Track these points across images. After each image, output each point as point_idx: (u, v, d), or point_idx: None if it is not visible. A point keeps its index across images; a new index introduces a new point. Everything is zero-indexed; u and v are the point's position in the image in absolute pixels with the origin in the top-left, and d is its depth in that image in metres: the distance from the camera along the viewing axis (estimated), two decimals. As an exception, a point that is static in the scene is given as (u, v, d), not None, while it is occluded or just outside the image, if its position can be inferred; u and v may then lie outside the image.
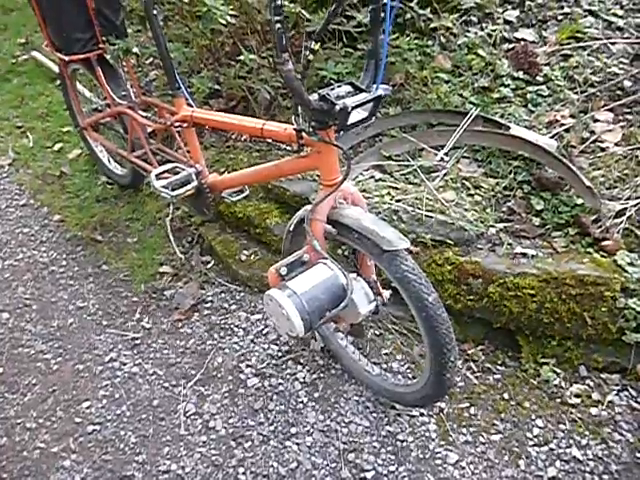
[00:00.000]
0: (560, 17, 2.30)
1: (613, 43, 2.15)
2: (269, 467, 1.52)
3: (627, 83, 2.04)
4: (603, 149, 1.88)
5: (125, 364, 1.86)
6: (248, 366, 1.79)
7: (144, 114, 1.95)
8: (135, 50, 1.93)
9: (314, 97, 1.13)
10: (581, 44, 2.15)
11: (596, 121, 1.96)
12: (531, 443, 1.51)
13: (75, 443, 1.63)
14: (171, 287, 2.11)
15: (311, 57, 1.07)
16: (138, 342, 1.93)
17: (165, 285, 2.12)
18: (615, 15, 2.25)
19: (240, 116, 1.53)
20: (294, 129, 1.26)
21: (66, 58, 1.97)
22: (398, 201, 1.78)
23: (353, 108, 1.11)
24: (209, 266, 2.17)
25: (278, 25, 0.96)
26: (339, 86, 1.17)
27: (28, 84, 3.48)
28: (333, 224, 1.31)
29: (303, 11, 1.96)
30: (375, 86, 1.16)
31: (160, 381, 1.79)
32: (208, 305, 2.03)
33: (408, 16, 2.11)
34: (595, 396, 1.58)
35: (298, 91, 1.07)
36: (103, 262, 2.28)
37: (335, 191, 1.28)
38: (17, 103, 3.37)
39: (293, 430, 1.60)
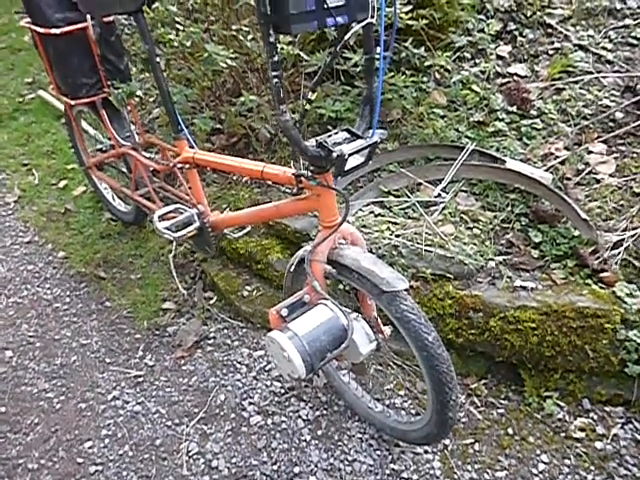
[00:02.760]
0: (551, 52, 2.36)
1: (604, 76, 2.21)
2: (273, 508, 1.51)
3: (619, 115, 2.08)
4: (598, 180, 1.91)
5: (128, 402, 1.86)
6: (251, 404, 1.78)
7: (147, 155, 2.00)
8: (139, 93, 1.99)
9: (311, 143, 1.16)
10: (572, 78, 2.21)
11: (590, 153, 2.00)
12: (537, 479, 1.50)
13: (77, 485, 1.63)
14: (174, 323, 2.13)
15: (308, 107, 1.10)
16: (141, 380, 1.93)
17: (168, 321, 2.13)
18: (604, 49, 2.31)
19: (240, 159, 1.56)
20: (293, 174, 1.29)
21: (72, 102, 2.03)
22: (398, 236, 1.80)
23: (350, 155, 1.14)
24: (212, 302, 2.18)
25: (276, 80, 1.00)
26: (336, 133, 1.21)
27: (34, 122, 3.56)
28: (333, 264, 1.33)
29: (301, 53, 2.02)
30: (371, 132, 1.20)
31: (163, 420, 1.78)
32: (211, 341, 2.03)
33: (403, 54, 2.17)
34: (599, 429, 1.57)
35: (295, 140, 1.10)
36: (106, 299, 2.30)
37: (334, 232, 1.30)
38: (23, 141, 3.44)
39: (296, 469, 1.59)
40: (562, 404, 1.64)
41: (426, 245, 1.75)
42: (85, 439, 1.75)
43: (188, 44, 2.01)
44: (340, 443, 1.64)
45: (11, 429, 1.81)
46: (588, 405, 1.63)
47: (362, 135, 1.19)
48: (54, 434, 1.78)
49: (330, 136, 1.18)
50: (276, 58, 0.98)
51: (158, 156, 2.02)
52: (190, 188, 1.83)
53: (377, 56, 1.16)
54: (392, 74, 2.11)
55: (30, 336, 2.17)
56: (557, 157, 1.98)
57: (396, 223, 1.87)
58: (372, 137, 1.18)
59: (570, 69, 2.23)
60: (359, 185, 2.11)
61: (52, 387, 1.94)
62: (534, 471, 1.52)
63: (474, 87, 2.21)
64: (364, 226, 1.85)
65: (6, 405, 1.89)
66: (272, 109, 2.21)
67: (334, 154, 1.12)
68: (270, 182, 1.42)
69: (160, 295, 2.24)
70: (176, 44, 2.00)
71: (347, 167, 1.17)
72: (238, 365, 1.92)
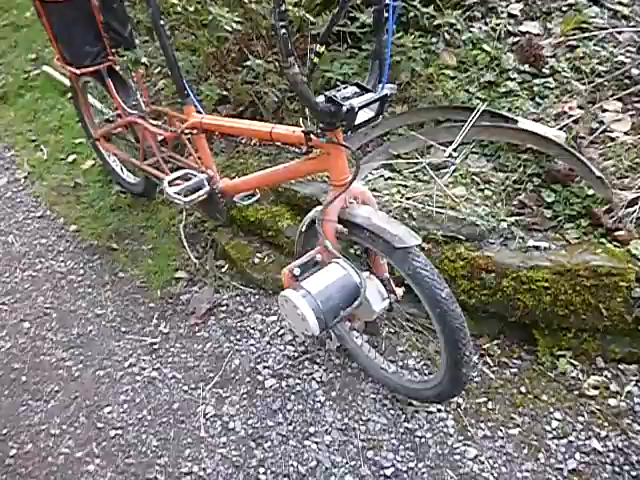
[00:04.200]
0: (564, 8, 2.29)
1: (619, 32, 2.14)
2: (289, 466, 1.54)
3: (635, 71, 2.02)
4: (613, 139, 1.87)
5: (144, 369, 1.89)
6: (265, 367, 1.81)
7: (155, 123, 1.99)
8: (144, 60, 1.97)
9: (321, 99, 1.15)
10: (586, 34, 2.14)
11: (605, 111, 1.95)
12: (550, 436, 1.51)
13: (98, 448, 1.67)
14: (187, 292, 2.14)
15: (316, 60, 1.08)
16: (156, 347, 1.96)
17: (181, 290, 2.15)
18: (620, 4, 2.24)
19: (249, 121, 1.55)
20: (302, 131, 1.28)
21: (77, 71, 2.01)
22: (408, 199, 1.78)
23: (360, 108, 1.12)
24: (223, 270, 2.20)
25: (283, 30, 0.98)
26: (345, 87, 1.19)
27: (40, 98, 3.55)
28: (344, 224, 1.33)
29: (307, 14, 1.98)
30: (381, 86, 1.17)
31: (179, 385, 1.82)
32: (224, 309, 2.05)
33: (411, 14, 2.12)
34: (613, 387, 1.58)
35: (305, 94, 1.08)
36: (119, 270, 2.32)
37: (345, 191, 1.29)
38: (30, 117, 3.43)
39: (312, 429, 1.61)
40: (575, 363, 1.64)
41: (437, 207, 1.74)
42: (104, 405, 1.79)
43: (191, 9, 1.97)
44: (354, 404, 1.66)
45: (32, 397, 1.85)
46: (602, 363, 1.63)
47: (372, 89, 1.17)
48: (74, 401, 1.82)
49: (339, 90, 1.16)
50: (283, 7, 0.96)
51: (165, 125, 2.00)
52: (198, 155, 1.82)
53: (386, 8, 1.13)
54: (400, 35, 2.07)
55: (46, 308, 2.20)
56: (571, 116, 1.93)
57: (406, 186, 1.85)
58: (382, 90, 1.16)
59: (584, 25, 2.16)
60: (368, 150, 2.09)
61: (70, 356, 1.98)
62: (547, 428, 1.53)
63: (485, 47, 2.16)
64: (374, 189, 1.83)
65: (26, 374, 1.93)
66: (279, 74, 2.18)
67: (344, 108, 1.10)
68: (279, 143, 1.41)
69: (172, 265, 2.25)
70: (180, 9, 1.97)
71: (357, 121, 1.15)
72: (251, 331, 1.94)
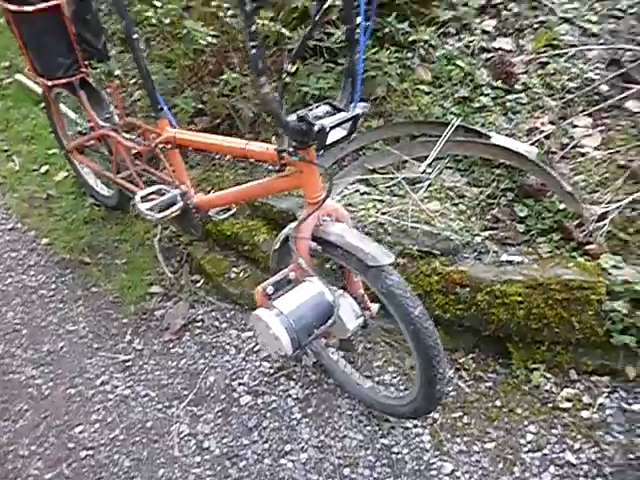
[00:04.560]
0: (536, 25, 2.34)
1: (589, 49, 2.19)
2: (264, 486, 1.52)
3: (604, 88, 2.08)
4: (583, 154, 1.91)
5: (117, 387, 1.85)
6: (241, 384, 1.79)
7: (128, 136, 1.96)
8: (117, 73, 1.94)
9: (292, 118, 1.14)
10: (557, 51, 2.19)
11: (575, 127, 1.99)
12: (525, 449, 1.52)
13: (69, 469, 1.63)
14: (161, 307, 2.11)
15: (288, 79, 1.08)
16: (129, 364, 1.92)
17: (155, 305, 2.12)
18: (589, 22, 2.30)
19: (223, 137, 1.54)
20: (275, 149, 1.27)
21: (49, 83, 1.98)
22: (384, 213, 1.79)
23: (331, 128, 1.12)
24: (199, 285, 2.17)
25: (254, 50, 0.97)
26: (317, 106, 1.19)
27: (13, 107, 3.48)
28: (318, 241, 1.32)
29: (283, 29, 1.98)
30: (352, 105, 1.18)
31: (152, 403, 1.78)
32: (199, 324, 2.03)
33: (387, 30, 2.14)
34: (586, 399, 1.59)
35: (276, 113, 1.08)
36: (92, 284, 2.27)
37: (319, 209, 1.29)
38: (2, 127, 3.36)
39: (287, 447, 1.59)
40: (549, 375, 1.66)
41: (412, 222, 1.75)
42: (75, 424, 1.75)
43: (167, 21, 1.96)
44: (330, 420, 1.65)
45: (0, 416, 1.80)
46: (574, 376, 1.65)
47: (344, 108, 1.17)
48: (44, 420, 1.77)
49: (311, 110, 1.16)
50: (254, 28, 0.96)
51: (140, 138, 1.98)
52: (173, 169, 1.80)
53: (357, 27, 1.14)
54: (375, 50, 2.08)
55: (16, 323, 2.14)
56: (542, 131, 1.97)
57: (382, 201, 1.86)
58: (354, 110, 1.16)
59: (555, 42, 2.22)
60: (344, 164, 2.09)
61: (40, 374, 1.93)
62: (522, 441, 1.54)
63: (459, 62, 2.19)
64: (350, 204, 1.83)
65: (-6, 393, 1.87)
66: (253, 83, 2.17)
67: (315, 127, 1.10)
68: (253, 160, 1.40)
69: (146, 279, 2.22)
70: (154, 22, 1.95)
71: (329, 141, 1.15)
72: (227, 347, 1.92)
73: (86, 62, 1.98)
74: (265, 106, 1.07)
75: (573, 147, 1.93)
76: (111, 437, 1.70)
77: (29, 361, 1.98)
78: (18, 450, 1.69)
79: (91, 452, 1.66)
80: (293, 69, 1.07)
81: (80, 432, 1.72)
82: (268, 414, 1.69)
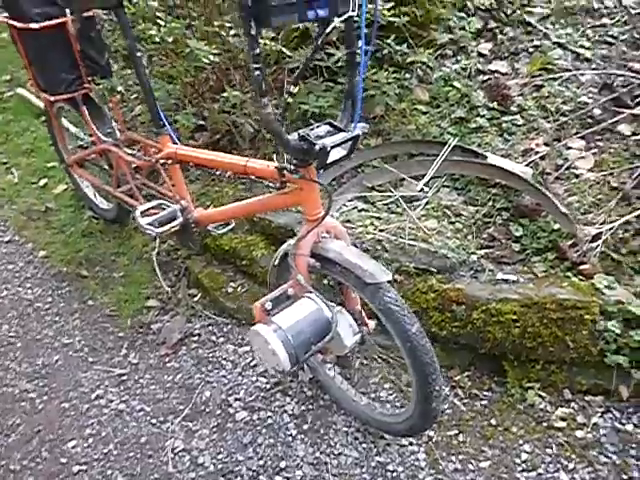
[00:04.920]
0: (531, 49, 2.40)
1: (582, 74, 2.25)
2: (259, 503, 1.51)
3: (597, 111, 2.12)
4: (577, 175, 1.95)
5: (112, 401, 1.84)
6: (237, 400, 1.78)
7: (129, 151, 1.98)
8: (120, 89, 1.97)
9: (294, 137, 1.17)
10: (552, 75, 2.24)
11: (569, 148, 2.03)
12: (519, 469, 1.52)
13: (61, 485, 1.61)
14: (158, 321, 2.11)
15: (290, 100, 1.11)
16: (125, 378, 1.91)
17: (152, 319, 2.12)
18: (582, 47, 2.36)
19: (223, 153, 1.56)
20: (275, 167, 1.29)
21: (51, 98, 2.00)
22: (381, 231, 1.81)
23: (332, 148, 1.15)
24: (196, 299, 2.17)
25: (257, 72, 1.00)
26: (318, 126, 1.21)
27: (13, 120, 3.51)
28: (317, 258, 1.34)
29: (284, 49, 2.02)
30: (353, 125, 1.20)
31: (147, 418, 1.77)
32: (195, 338, 2.03)
33: (386, 51, 2.19)
34: (580, 419, 1.60)
35: (278, 133, 1.11)
36: (89, 297, 2.27)
37: (318, 226, 1.31)
38: (2, 139, 3.38)
39: (282, 464, 1.59)
40: (544, 394, 1.66)
41: (409, 240, 1.77)
42: (69, 439, 1.73)
43: (170, 40, 2.00)
44: (326, 437, 1.64)
45: (-8, 431, 1.78)
46: (569, 395, 1.66)
47: (344, 128, 1.20)
48: (37, 434, 1.76)
49: (312, 129, 1.19)
50: (257, 51, 0.99)
51: (140, 153, 2.00)
52: (173, 184, 1.82)
53: (358, 50, 1.17)
54: (375, 70, 2.13)
55: (11, 336, 2.14)
56: (537, 152, 2.01)
57: (380, 218, 1.88)
58: (354, 130, 1.19)
59: (549, 66, 2.27)
60: (343, 181, 2.12)
61: (34, 387, 1.92)
62: (517, 460, 1.54)
63: (456, 84, 2.24)
64: (348, 221, 1.85)
65: (-14, 407, 1.86)
66: (255, 104, 2.21)
67: (316, 147, 1.12)
68: (253, 177, 1.42)
69: (144, 293, 2.22)
70: (158, 40, 1.99)
71: (329, 160, 1.17)
72: (223, 361, 1.92)
73: (89, 78, 2.01)
74: (267, 126, 1.09)
75: (567, 168, 1.96)
76: (105, 452, 1.69)
77: (23, 374, 1.97)
78: (9, 465, 1.68)
79: (84, 467, 1.65)
80: (295, 90, 1.09)
81: (73, 447, 1.71)
82: (264, 430, 1.68)
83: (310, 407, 1.73)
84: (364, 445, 1.62)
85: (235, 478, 1.57)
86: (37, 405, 1.85)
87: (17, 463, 1.68)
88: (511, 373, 1.70)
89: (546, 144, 2.04)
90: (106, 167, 2.26)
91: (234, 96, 2.08)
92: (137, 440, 1.71)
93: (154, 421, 1.76)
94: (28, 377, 1.96)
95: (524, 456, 1.55)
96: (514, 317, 1.60)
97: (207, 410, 1.77)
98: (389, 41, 2.14)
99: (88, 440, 1.72)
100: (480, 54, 2.38)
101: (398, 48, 2.15)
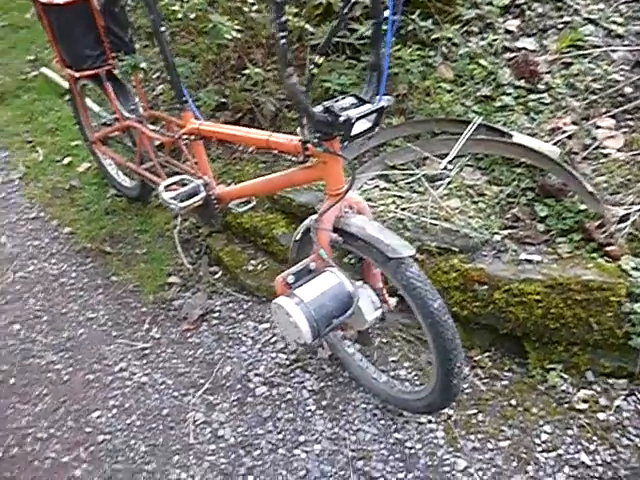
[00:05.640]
0: (560, 26, 2.32)
1: (613, 51, 2.17)
2: (278, 475, 1.53)
3: (628, 90, 2.05)
4: (605, 155, 1.89)
5: (135, 374, 1.88)
6: (256, 375, 1.80)
7: (152, 127, 1.99)
8: (143, 65, 1.98)
9: (318, 109, 1.16)
10: (581, 52, 2.17)
11: (598, 128, 1.98)
12: (539, 449, 1.51)
13: (86, 453, 1.65)
14: (179, 297, 2.14)
15: (315, 70, 1.09)
16: (147, 352, 1.95)
17: (173, 295, 2.15)
18: (615, 23, 2.27)
19: (246, 128, 1.56)
20: (299, 140, 1.29)
21: (76, 74, 2.02)
22: (403, 210, 1.80)
23: (357, 119, 1.13)
24: (217, 276, 2.19)
25: (283, 41, 0.99)
26: (343, 98, 1.20)
27: (37, 100, 3.55)
28: (339, 232, 1.33)
29: (307, 25, 2.00)
30: (378, 97, 1.19)
31: (169, 390, 1.81)
32: (216, 315, 2.05)
33: (410, 28, 2.14)
34: (603, 401, 1.58)
35: (303, 104, 1.09)
36: (112, 273, 2.31)
37: (340, 200, 1.30)
38: (27, 118, 3.43)
39: (302, 438, 1.61)
40: (565, 376, 1.65)
41: (431, 219, 1.75)
42: (93, 409, 1.78)
43: (192, 16, 1.99)
44: (345, 413, 1.66)
45: (20, 400, 1.84)
46: (591, 377, 1.64)
47: (369, 100, 1.18)
48: (62, 404, 1.81)
49: (337, 101, 1.17)
50: (283, 19, 0.97)
51: (163, 130, 2.01)
52: (195, 160, 1.83)
53: (385, 21, 1.15)
54: (398, 47, 2.09)
55: (37, 310, 2.19)
56: (565, 132, 1.96)
57: (401, 197, 1.87)
58: (379, 102, 1.17)
59: (579, 43, 2.20)
60: (364, 160, 2.10)
61: (60, 359, 1.97)
62: (537, 441, 1.53)
63: (481, 61, 2.18)
64: (369, 200, 1.84)
65: (15, 377, 1.92)
66: (277, 83, 2.19)
67: (341, 118, 1.11)
68: (276, 151, 1.42)
69: (165, 270, 2.25)
70: (180, 16, 1.98)
71: (354, 132, 1.16)
72: (243, 338, 1.94)
73: (113, 54, 2.01)
74: (292, 96, 1.08)
75: (595, 148, 1.91)
76: (128, 423, 1.73)
77: (49, 347, 2.02)
78: (37, 433, 1.73)
79: (108, 437, 1.69)
80: (320, 61, 1.08)
81: (97, 417, 1.75)
82: (283, 405, 1.70)
83: (329, 383, 1.74)
84: (382, 422, 1.62)
85: (255, 451, 1.60)
86: (63, 376, 1.90)
87: (44, 431, 1.73)
88: (532, 354, 1.68)
89: (574, 123, 1.98)
90: (129, 144, 2.28)
91: (256, 73, 2.06)
92: (159, 412, 1.74)
93: (176, 394, 1.79)
94: (54, 349, 2.01)
95: (544, 437, 1.54)
96: (537, 298, 1.58)
97: (227, 384, 1.79)
98: (414, 17, 2.10)
99: (112, 411, 1.77)
100: (507, 31, 2.31)
101: (423, 24, 2.11)
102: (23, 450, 1.68)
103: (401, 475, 1.50)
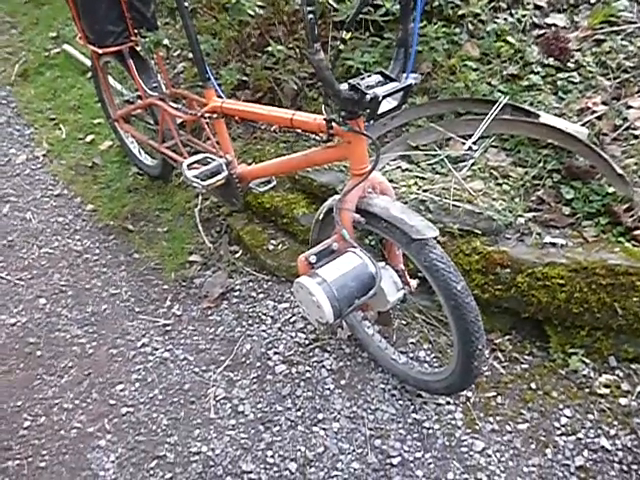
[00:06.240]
0: (592, 1, 2.24)
1: (648, 27, 2.09)
2: (297, 451, 1.56)
3: (663, 69, 1.98)
4: (636, 137, 1.84)
5: (157, 349, 1.92)
6: (276, 353, 1.82)
7: (175, 105, 1.99)
8: (165, 42, 1.97)
9: (344, 87, 1.14)
10: (614, 28, 2.10)
11: (629, 108, 1.92)
12: (558, 432, 1.51)
13: (110, 424, 1.70)
14: (200, 276, 2.16)
15: (342, 47, 1.07)
16: (169, 328, 1.98)
17: (194, 274, 2.17)
18: (651, -2, 2.19)
19: (269, 107, 1.54)
20: (324, 119, 1.27)
21: (99, 51, 2.02)
22: (425, 191, 1.77)
23: (384, 97, 1.11)
24: (237, 256, 2.21)
25: (310, 15, 0.97)
26: (369, 76, 1.18)
27: (60, 77, 3.56)
28: (362, 213, 1.33)
29: (331, 0, 1.96)
30: (405, 75, 1.16)
31: (190, 366, 1.84)
32: (236, 294, 2.07)
33: (436, 3, 2.09)
34: (625, 386, 1.57)
35: (329, 81, 1.08)
36: (134, 251, 2.34)
37: (364, 180, 1.29)
38: (50, 96, 3.45)
39: (320, 416, 1.63)
40: (587, 361, 1.63)
41: (454, 200, 1.73)
42: (117, 382, 1.82)
43: (214, -8, 1.96)
44: (363, 392, 1.67)
45: (47, 371, 1.89)
46: (614, 362, 1.62)
47: (396, 78, 1.16)
48: (87, 377, 1.85)
49: (363, 79, 1.15)
50: (312, -8, 0.95)
51: (185, 108, 2.01)
52: (217, 139, 1.83)
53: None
54: (423, 24, 2.04)
55: (62, 285, 2.23)
56: (594, 112, 1.90)
57: (424, 178, 1.84)
58: (406, 80, 1.15)
59: (612, 19, 2.12)
60: (387, 140, 2.07)
61: (84, 333, 2.01)
62: (556, 424, 1.53)
63: (509, 38, 2.12)
64: (391, 180, 1.82)
65: (41, 349, 1.97)
66: (299, 61, 2.16)
67: (367, 96, 1.09)
68: (300, 130, 1.40)
69: (187, 248, 2.27)
70: (202, -9, 1.96)
71: (380, 110, 1.14)
72: (263, 316, 1.96)
73: (136, 31, 2.01)
74: (318, 73, 1.06)
75: (626, 129, 1.85)
76: (150, 396, 1.77)
77: (74, 321, 2.07)
78: (63, 404, 1.78)
79: (131, 409, 1.74)
80: (348, 36, 1.06)
81: (121, 390, 1.80)
82: (302, 383, 1.72)
83: (348, 363, 1.76)
84: (401, 402, 1.64)
85: (274, 427, 1.62)
86: (87, 350, 1.95)
87: (70, 402, 1.78)
88: (554, 338, 1.67)
89: (604, 103, 1.93)
90: (151, 122, 2.28)
91: (278, 50, 2.04)
92: (181, 387, 1.78)
93: (197, 370, 1.82)
94: (79, 323, 2.05)
95: (564, 420, 1.53)
96: (561, 282, 1.56)
97: (247, 362, 1.82)
98: (440, -8, 2.04)
99: (135, 384, 1.81)
100: (537, 6, 2.24)
101: (449, 0, 2.05)
102: (50, 419, 1.73)
103: (418, 454, 1.51)
